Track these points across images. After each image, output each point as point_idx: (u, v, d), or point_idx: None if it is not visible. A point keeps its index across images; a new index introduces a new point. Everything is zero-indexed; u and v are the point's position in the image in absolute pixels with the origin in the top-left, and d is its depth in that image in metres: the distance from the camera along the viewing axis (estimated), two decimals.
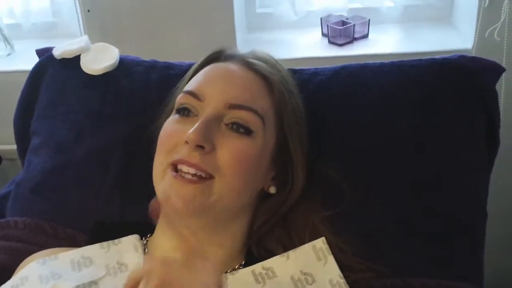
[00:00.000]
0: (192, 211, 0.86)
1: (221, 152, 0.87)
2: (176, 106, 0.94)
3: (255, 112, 0.90)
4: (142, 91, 1.16)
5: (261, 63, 0.97)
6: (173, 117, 0.93)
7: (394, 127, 1.05)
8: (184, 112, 0.92)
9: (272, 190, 0.97)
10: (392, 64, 1.12)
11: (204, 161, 0.86)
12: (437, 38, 1.72)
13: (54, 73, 1.22)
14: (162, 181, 0.89)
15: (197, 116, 0.91)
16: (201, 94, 0.91)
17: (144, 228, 1.00)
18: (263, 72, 0.95)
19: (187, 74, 1.02)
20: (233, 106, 0.90)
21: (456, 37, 1.71)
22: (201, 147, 0.86)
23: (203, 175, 0.87)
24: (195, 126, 0.86)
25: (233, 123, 0.89)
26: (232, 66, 0.96)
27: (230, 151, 0.87)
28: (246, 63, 0.96)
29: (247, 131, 0.89)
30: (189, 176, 0.86)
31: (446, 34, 1.74)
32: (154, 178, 0.92)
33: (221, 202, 0.88)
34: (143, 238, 0.99)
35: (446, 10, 1.79)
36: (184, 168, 0.87)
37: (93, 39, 1.48)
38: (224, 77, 0.93)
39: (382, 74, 1.10)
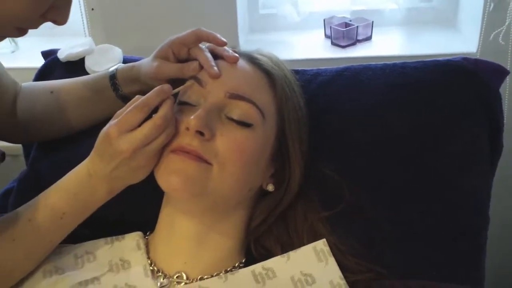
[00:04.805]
0: (191, 190, 0.87)
1: (221, 141, 0.88)
2: (179, 96, 0.95)
3: (254, 104, 0.91)
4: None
5: (264, 59, 0.98)
6: (175, 107, 0.93)
7: (396, 128, 1.05)
8: (185, 103, 0.93)
9: (270, 187, 0.97)
10: (395, 65, 1.12)
11: (203, 148, 0.87)
12: (441, 41, 1.71)
13: (60, 76, 1.23)
14: (163, 163, 0.89)
15: (197, 106, 0.91)
16: (204, 79, 0.92)
17: (145, 225, 1.00)
18: (266, 67, 0.96)
19: None
20: (233, 96, 0.90)
21: (461, 40, 1.70)
22: (201, 133, 0.86)
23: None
24: (196, 113, 0.87)
25: (233, 116, 0.90)
26: None
27: (229, 140, 0.88)
28: (250, 58, 0.98)
29: (246, 124, 0.90)
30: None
31: (450, 37, 1.73)
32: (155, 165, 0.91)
33: (219, 190, 0.88)
34: (145, 236, 0.99)
35: (451, 13, 1.79)
36: None
37: (97, 38, 1.48)
38: (227, 67, 0.94)
39: (385, 75, 1.10)
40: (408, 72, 1.10)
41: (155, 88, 0.88)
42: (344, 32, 1.71)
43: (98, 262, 0.95)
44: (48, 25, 0.83)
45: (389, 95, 1.08)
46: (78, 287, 0.90)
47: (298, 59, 1.65)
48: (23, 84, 1.14)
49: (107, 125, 0.86)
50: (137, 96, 0.88)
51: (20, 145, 1.29)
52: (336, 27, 1.72)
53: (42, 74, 1.27)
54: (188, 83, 0.94)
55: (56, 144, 1.15)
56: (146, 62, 1.03)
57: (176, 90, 0.92)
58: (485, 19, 1.55)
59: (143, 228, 1.00)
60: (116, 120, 0.86)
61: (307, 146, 0.99)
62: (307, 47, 1.75)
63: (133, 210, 1.05)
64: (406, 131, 1.05)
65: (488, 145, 1.06)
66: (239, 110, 0.90)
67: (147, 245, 0.97)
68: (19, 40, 1.80)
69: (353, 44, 1.73)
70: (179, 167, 0.87)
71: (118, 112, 0.88)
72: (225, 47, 0.97)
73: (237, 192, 0.92)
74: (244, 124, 0.90)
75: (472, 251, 1.01)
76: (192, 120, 0.86)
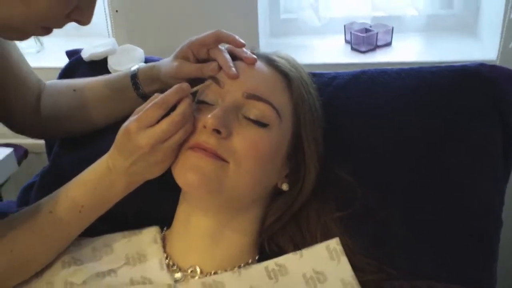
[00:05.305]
0: (207, 187, 0.88)
1: (237, 140, 0.90)
2: (197, 95, 0.97)
3: (271, 105, 0.93)
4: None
5: (282, 61, 1.00)
6: (193, 106, 0.95)
7: (409, 131, 1.07)
8: (203, 102, 0.95)
9: (285, 187, 0.99)
10: (411, 69, 1.14)
11: (219, 146, 0.89)
12: (460, 48, 1.72)
13: (83, 75, 1.26)
14: (180, 159, 0.91)
15: (215, 105, 0.94)
16: (222, 79, 0.95)
17: (162, 221, 1.03)
18: (284, 69, 0.98)
19: None
20: (250, 96, 0.92)
21: (480, 47, 1.71)
22: (218, 131, 0.88)
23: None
24: (213, 112, 0.89)
25: (250, 116, 0.92)
26: None
27: (245, 139, 0.90)
28: (268, 60, 0.99)
29: (262, 124, 0.92)
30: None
31: (470, 44, 1.74)
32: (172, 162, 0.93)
33: (234, 187, 0.90)
34: (162, 231, 1.01)
35: (471, 20, 1.79)
36: None
37: (120, 39, 1.51)
38: (245, 68, 0.96)
39: (400, 79, 1.12)
40: (423, 76, 1.11)
41: (174, 86, 0.90)
42: (364, 38, 1.73)
43: (116, 255, 0.97)
44: (73, 26, 0.86)
45: (403, 99, 1.09)
46: (96, 278, 0.93)
47: (318, 64, 1.66)
48: (48, 82, 1.17)
49: (127, 121, 0.89)
50: (156, 94, 0.91)
51: (43, 143, 1.32)
52: (356, 33, 1.73)
53: (66, 73, 1.30)
54: (206, 82, 0.97)
55: (78, 141, 1.19)
56: (167, 62, 1.06)
57: (195, 88, 0.94)
58: (505, 26, 1.55)
59: (161, 224, 1.02)
60: (135, 116, 0.89)
61: (322, 148, 1.01)
62: (327, 52, 1.77)
63: (150, 206, 1.08)
64: (419, 135, 1.06)
65: (501, 150, 1.06)
66: (256, 110, 0.92)
67: (163, 240, 0.99)
68: (45, 40, 1.84)
69: (373, 49, 1.74)
70: (196, 164, 0.89)
71: (138, 109, 0.90)
72: (244, 49, 0.99)
73: (252, 190, 0.94)
74: (260, 124, 0.92)
75: (483, 254, 1.01)
76: (209, 118, 0.88)
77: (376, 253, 0.95)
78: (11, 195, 1.30)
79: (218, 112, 0.89)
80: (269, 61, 0.99)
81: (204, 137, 0.89)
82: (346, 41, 1.80)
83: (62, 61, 1.37)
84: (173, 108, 0.90)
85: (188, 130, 0.90)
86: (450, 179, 1.04)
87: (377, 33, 1.73)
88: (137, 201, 1.00)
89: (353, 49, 1.75)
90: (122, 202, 0.95)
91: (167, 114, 0.89)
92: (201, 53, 1.02)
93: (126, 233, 1.01)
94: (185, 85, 0.90)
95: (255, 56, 0.97)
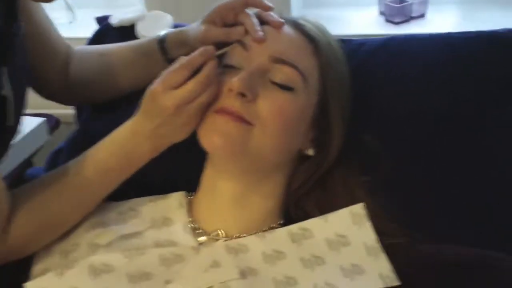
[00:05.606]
0: (231, 149, 0.89)
1: (262, 103, 0.89)
2: (223, 59, 0.97)
3: (297, 69, 0.92)
4: None
5: (310, 25, 0.98)
6: (218, 70, 0.94)
7: (437, 100, 1.05)
8: (229, 66, 0.95)
9: (310, 151, 0.98)
10: (439, 35, 1.12)
11: (245, 109, 0.88)
12: (498, 19, 1.67)
13: (112, 42, 1.25)
14: (205, 123, 0.91)
15: (241, 69, 0.93)
16: (248, 43, 0.94)
17: (189, 187, 1.03)
18: (311, 33, 0.97)
19: None
20: (276, 60, 0.92)
21: None
22: (243, 95, 0.88)
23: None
24: (239, 75, 0.88)
25: (275, 80, 0.91)
26: None
27: (271, 103, 0.89)
28: (295, 24, 0.98)
29: (288, 88, 0.91)
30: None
31: (507, 15, 1.69)
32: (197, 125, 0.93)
33: (259, 150, 0.90)
34: (188, 196, 1.02)
35: None
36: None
37: (151, 8, 1.51)
38: (272, 32, 0.95)
39: (428, 45, 1.11)
40: (451, 42, 1.10)
41: (199, 49, 0.90)
42: (398, 9, 1.70)
43: (141, 218, 0.98)
44: None
45: (430, 65, 1.08)
46: (121, 240, 0.93)
47: (351, 35, 1.63)
48: (77, 48, 1.18)
49: (153, 83, 0.89)
50: (181, 57, 0.90)
51: (74, 113, 1.33)
52: (390, 4, 1.70)
53: (96, 38, 1.31)
54: (232, 45, 0.96)
55: (107, 107, 1.19)
56: (195, 26, 1.06)
57: (220, 51, 0.93)
58: None
59: (187, 189, 1.03)
60: (161, 78, 0.88)
61: (349, 114, 0.99)
62: (360, 23, 1.75)
63: (177, 173, 1.08)
64: (447, 103, 1.04)
65: None
66: (281, 74, 0.91)
67: (189, 205, 1.00)
68: (76, 11, 1.86)
69: (407, 21, 1.71)
70: (222, 127, 0.89)
71: (163, 71, 0.90)
72: (271, 13, 0.98)
73: (277, 154, 0.93)
74: (286, 88, 0.91)
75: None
76: (235, 81, 0.88)
77: (402, 218, 0.93)
78: (42, 164, 1.32)
79: (243, 75, 0.88)
80: (297, 25, 0.98)
81: (229, 101, 0.89)
82: (380, 13, 1.77)
83: (93, 32, 1.37)
84: (198, 72, 0.90)
85: (213, 92, 0.89)
86: (480, 149, 1.02)
87: (411, 4, 1.70)
88: (164, 168, 1.01)
89: (386, 20, 1.73)
90: (148, 169, 0.96)
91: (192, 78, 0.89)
92: (228, 18, 1.01)
93: (152, 197, 1.02)
94: (210, 47, 0.90)
95: (282, 20, 0.96)
